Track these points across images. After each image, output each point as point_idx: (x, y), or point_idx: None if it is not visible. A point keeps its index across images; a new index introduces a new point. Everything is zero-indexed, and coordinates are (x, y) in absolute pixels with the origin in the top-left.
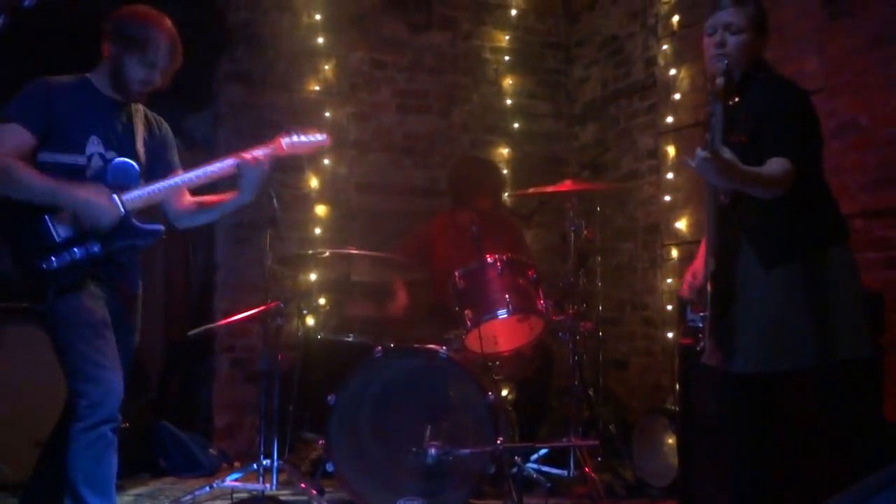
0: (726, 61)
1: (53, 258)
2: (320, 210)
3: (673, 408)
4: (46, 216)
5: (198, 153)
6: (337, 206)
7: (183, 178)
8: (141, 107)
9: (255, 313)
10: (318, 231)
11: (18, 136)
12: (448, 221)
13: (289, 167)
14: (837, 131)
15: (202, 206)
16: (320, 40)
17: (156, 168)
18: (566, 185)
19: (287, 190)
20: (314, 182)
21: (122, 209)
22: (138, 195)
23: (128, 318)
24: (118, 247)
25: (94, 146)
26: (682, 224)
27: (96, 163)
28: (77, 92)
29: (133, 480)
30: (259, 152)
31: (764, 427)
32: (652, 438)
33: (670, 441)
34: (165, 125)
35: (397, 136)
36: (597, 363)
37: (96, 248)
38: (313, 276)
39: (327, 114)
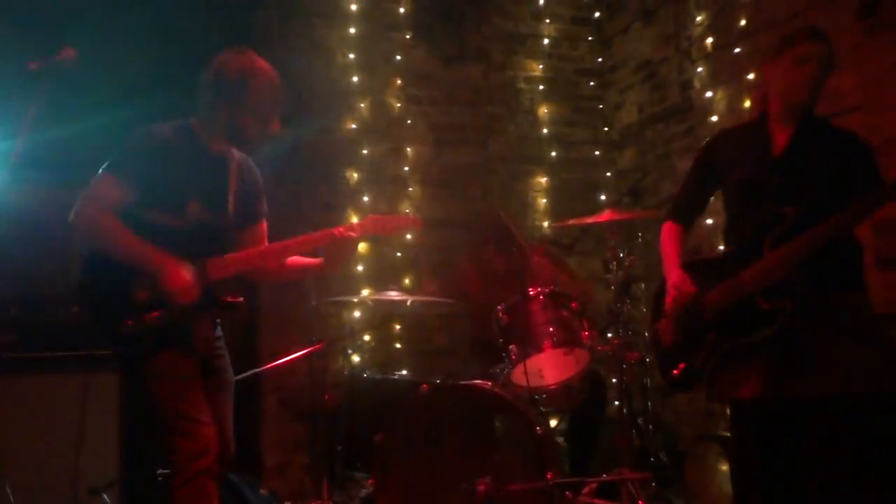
0: None
1: (130, 322)
2: (361, 247)
3: (725, 434)
4: (130, 278)
5: None
6: (377, 243)
7: (275, 250)
8: (236, 154)
9: (301, 355)
10: (359, 268)
11: (116, 191)
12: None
13: (330, 205)
14: (882, 148)
15: (284, 268)
16: (355, 79)
17: (243, 220)
18: (606, 216)
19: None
20: (354, 219)
21: (206, 280)
22: (225, 270)
23: (216, 361)
24: (196, 314)
25: (194, 208)
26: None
27: (194, 224)
28: (180, 146)
29: None
30: (353, 229)
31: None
32: (704, 466)
33: (724, 468)
34: (255, 171)
35: (435, 170)
36: (644, 391)
37: (175, 314)
38: (357, 314)
39: (365, 151)
